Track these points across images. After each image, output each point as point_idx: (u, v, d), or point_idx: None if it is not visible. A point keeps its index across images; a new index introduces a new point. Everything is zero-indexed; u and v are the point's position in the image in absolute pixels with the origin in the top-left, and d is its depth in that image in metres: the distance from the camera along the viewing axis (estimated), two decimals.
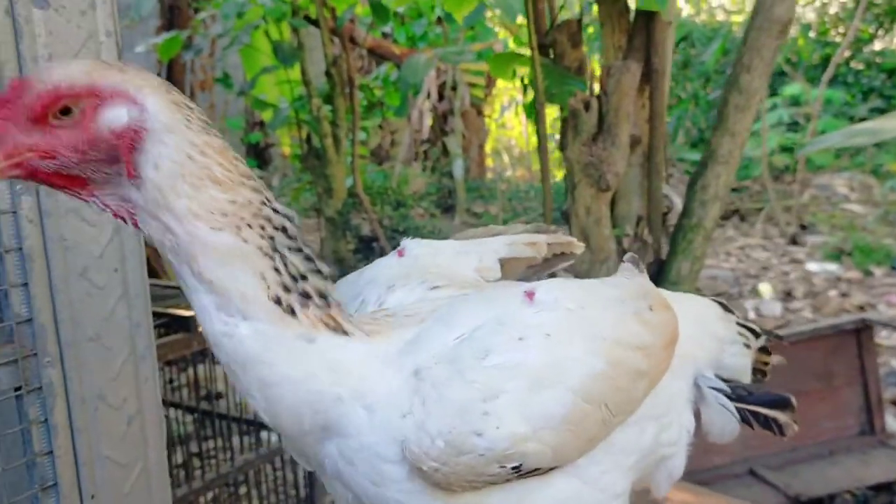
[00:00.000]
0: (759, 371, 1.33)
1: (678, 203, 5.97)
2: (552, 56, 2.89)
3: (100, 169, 0.92)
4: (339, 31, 6.38)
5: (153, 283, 2.14)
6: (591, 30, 7.28)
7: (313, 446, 0.96)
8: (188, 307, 1.59)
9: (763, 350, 1.33)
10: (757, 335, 1.32)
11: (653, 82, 2.75)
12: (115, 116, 0.90)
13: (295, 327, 0.92)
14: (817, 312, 6.47)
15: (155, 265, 4.69)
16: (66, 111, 0.89)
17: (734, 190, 9.90)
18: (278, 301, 0.91)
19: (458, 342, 0.94)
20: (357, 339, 0.94)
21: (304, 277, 0.94)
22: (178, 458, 3.42)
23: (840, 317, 5.32)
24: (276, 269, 0.92)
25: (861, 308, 6.43)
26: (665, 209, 3.11)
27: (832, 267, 7.53)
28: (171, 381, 3.62)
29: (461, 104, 9.30)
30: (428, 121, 9.72)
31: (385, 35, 9.37)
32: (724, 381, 1.24)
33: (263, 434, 3.24)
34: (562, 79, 2.81)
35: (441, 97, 9.73)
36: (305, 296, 0.93)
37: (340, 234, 6.70)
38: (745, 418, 1.22)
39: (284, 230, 0.94)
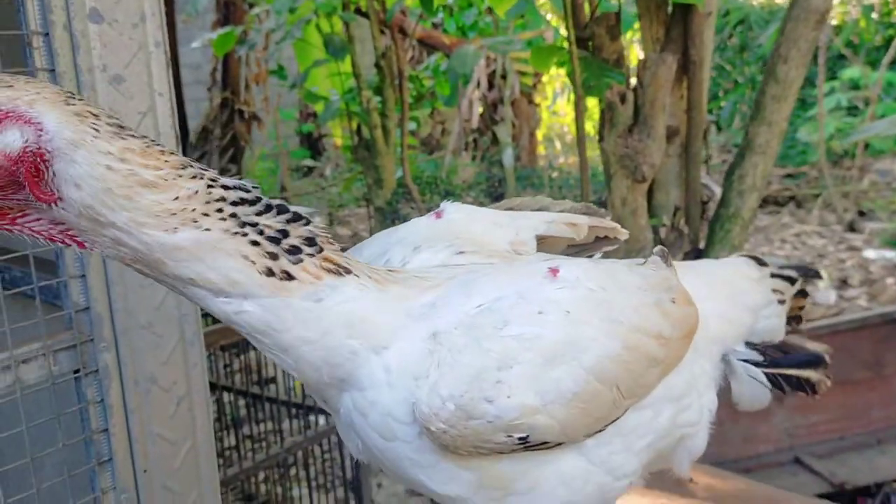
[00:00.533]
0: (794, 318, 1.33)
1: (718, 192, 5.92)
2: (591, 48, 2.93)
3: (11, 196, 0.86)
4: (388, 23, 6.47)
5: None
6: (634, 26, 7.22)
7: (335, 396, 0.99)
8: None
9: (800, 294, 1.34)
10: (793, 281, 1.32)
11: (690, 73, 2.77)
12: (7, 141, 0.82)
13: (297, 290, 0.91)
14: (873, 300, 6.36)
15: None
16: None
17: (790, 176, 9.73)
18: (270, 272, 0.90)
19: (479, 311, 0.95)
20: (364, 285, 0.94)
21: (285, 233, 0.91)
22: (231, 440, 3.57)
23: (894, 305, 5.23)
24: (254, 242, 0.90)
25: None
26: (704, 199, 3.13)
27: (890, 254, 7.37)
28: (226, 365, 3.75)
29: (511, 93, 9.31)
30: (478, 110, 9.76)
31: (435, 26, 9.43)
32: (755, 346, 1.26)
33: (312, 417, 3.35)
34: (600, 71, 2.85)
35: (491, 86, 9.75)
36: (295, 251, 0.91)
37: (390, 224, 6.81)
38: (776, 383, 1.24)
39: (243, 201, 0.90)
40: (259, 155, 10.02)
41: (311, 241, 0.93)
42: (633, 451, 1.07)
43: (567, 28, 2.86)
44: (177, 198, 0.86)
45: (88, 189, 0.83)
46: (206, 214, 0.88)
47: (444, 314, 0.96)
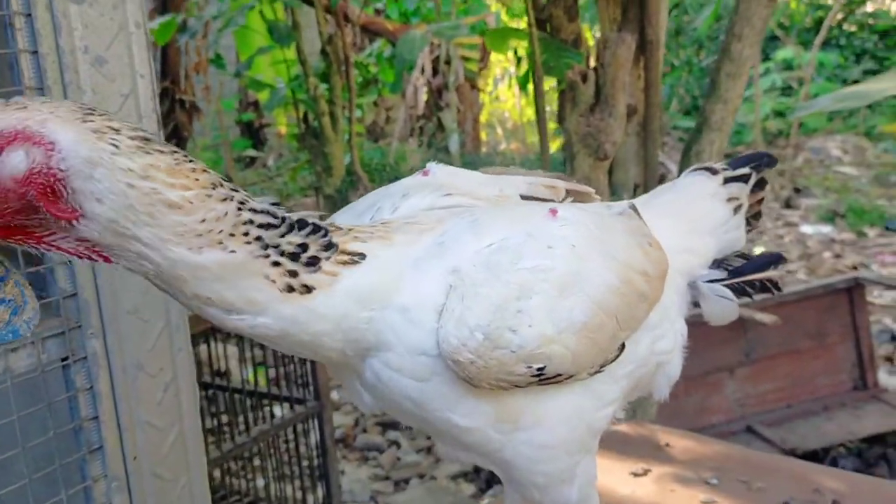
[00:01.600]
0: (752, 217, 1.39)
1: (674, 170, 6.05)
2: (549, 30, 2.96)
3: (32, 217, 0.85)
4: (333, 9, 6.41)
5: None
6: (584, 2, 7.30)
7: (358, 364, 1.01)
8: None
9: (757, 187, 1.39)
10: (747, 178, 1.37)
11: (647, 53, 2.83)
12: (13, 164, 0.81)
13: (315, 296, 0.92)
14: (812, 274, 6.58)
15: None
16: None
17: (728, 156, 9.98)
18: (290, 289, 0.91)
19: (491, 249, 0.99)
20: (369, 257, 0.96)
21: (305, 247, 0.92)
22: None
23: (833, 277, 5.43)
24: (276, 263, 0.90)
25: (854, 268, 6.55)
26: (661, 176, 3.20)
27: (826, 229, 7.64)
28: None
29: (455, 78, 9.34)
30: (423, 96, 9.76)
31: (378, 12, 9.39)
32: (719, 262, 1.32)
33: (268, 409, 3.34)
34: (559, 52, 2.89)
35: (435, 72, 9.77)
36: (314, 261, 0.92)
37: None
38: (742, 292, 1.30)
39: (270, 225, 0.91)
40: (201, 146, 9.84)
41: (328, 246, 0.94)
42: (615, 378, 1.12)
43: (526, 9, 2.88)
44: (203, 220, 0.86)
45: (110, 204, 0.83)
46: (233, 235, 0.88)
47: (458, 253, 0.99)
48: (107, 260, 0.89)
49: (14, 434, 1.34)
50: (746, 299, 1.31)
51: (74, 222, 0.84)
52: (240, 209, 0.89)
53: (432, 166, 1.19)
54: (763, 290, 1.32)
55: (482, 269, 0.97)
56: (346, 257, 0.95)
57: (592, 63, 2.74)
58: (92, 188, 0.82)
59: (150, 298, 1.50)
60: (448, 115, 9.25)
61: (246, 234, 0.89)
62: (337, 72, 6.52)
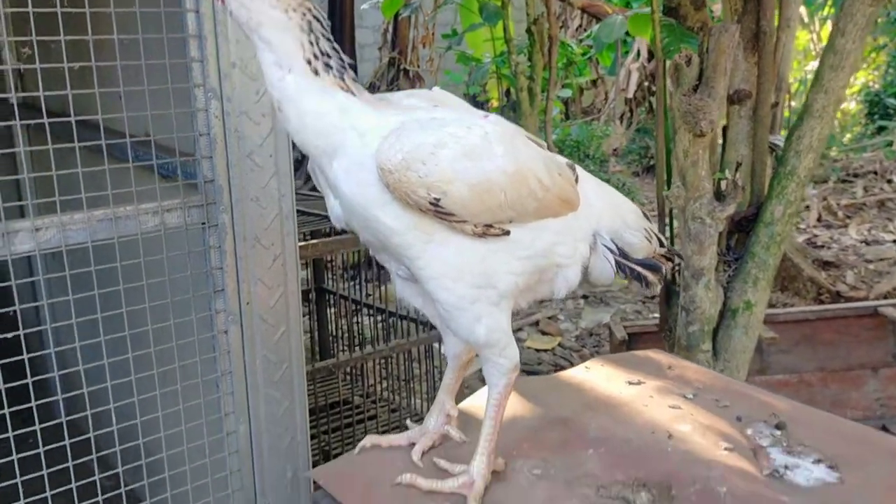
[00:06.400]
0: (653, 267, 1.80)
1: None
2: (677, 17, 3.24)
3: None
4: None
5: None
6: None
7: (327, 165, 1.45)
8: None
9: (665, 257, 1.83)
10: (662, 244, 1.83)
11: (761, 43, 3.04)
12: None
13: (319, 82, 1.39)
14: None
15: None
16: None
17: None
18: (309, 62, 1.38)
19: (431, 119, 1.44)
20: (361, 100, 1.43)
21: (328, 55, 1.40)
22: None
23: None
24: (310, 42, 1.38)
25: None
26: (773, 153, 3.36)
27: None
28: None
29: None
30: (635, 79, 9.92)
31: None
32: (619, 248, 1.73)
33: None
34: (681, 37, 3.17)
35: (651, 56, 9.87)
36: (328, 66, 1.40)
37: None
38: (621, 268, 1.73)
39: (319, 20, 1.39)
40: None
41: (341, 69, 1.42)
42: (515, 256, 1.53)
43: None
44: None
45: None
46: (295, 10, 1.38)
47: (409, 117, 1.45)
48: (222, 3, 1.40)
49: (163, 269, 1.99)
50: (622, 275, 1.74)
51: None
52: (307, 3, 1.40)
53: (436, 89, 1.68)
54: (636, 279, 1.76)
55: (418, 124, 1.43)
56: (344, 86, 1.44)
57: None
58: None
59: (268, 192, 2.10)
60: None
61: (303, 14, 1.39)
62: (539, 50, 6.96)
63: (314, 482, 1.80)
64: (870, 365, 4.57)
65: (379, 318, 4.23)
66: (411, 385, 4.05)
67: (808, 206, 9.21)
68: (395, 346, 3.88)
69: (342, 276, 4.65)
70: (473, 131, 1.45)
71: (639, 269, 1.76)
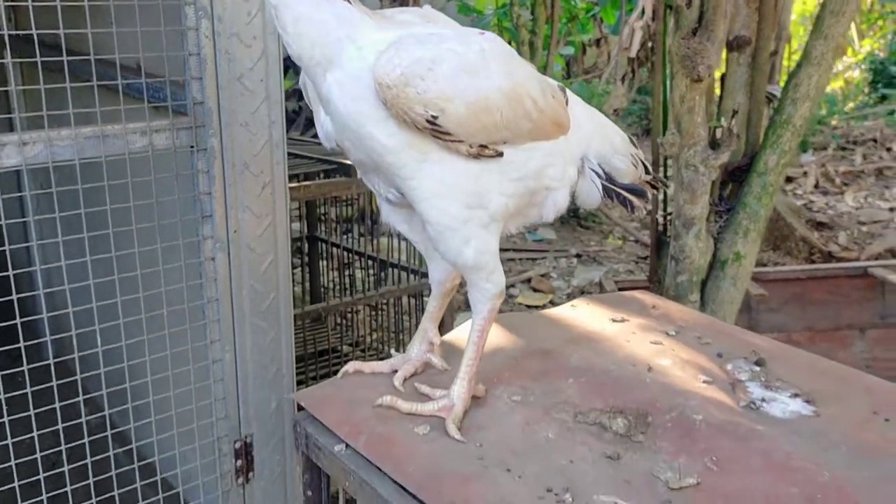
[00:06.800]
0: (639, 191, 1.81)
1: None
2: None
3: None
4: None
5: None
6: None
7: (321, 77, 1.42)
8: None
9: (650, 184, 1.85)
10: (647, 171, 1.82)
11: None
12: None
13: None
14: None
15: None
16: None
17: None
18: None
19: (430, 34, 1.43)
20: (359, 10, 1.40)
21: None
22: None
23: None
24: None
25: None
26: (769, 103, 3.35)
27: None
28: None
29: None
30: (638, 39, 9.81)
31: None
32: (605, 172, 1.73)
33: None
34: None
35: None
36: None
37: None
38: (607, 193, 1.74)
39: None
40: None
41: None
42: (508, 178, 1.53)
43: None
44: None
45: None
46: None
47: (408, 30, 1.44)
48: None
49: (151, 192, 1.98)
50: (608, 199, 1.76)
51: None
52: None
53: (427, 6, 1.65)
54: (622, 204, 1.77)
55: (416, 39, 1.41)
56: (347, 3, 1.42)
57: None
58: None
59: (258, 117, 2.09)
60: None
61: None
62: (542, 4, 6.90)
63: (297, 405, 1.82)
64: (858, 325, 4.60)
65: (370, 266, 4.24)
66: (401, 337, 4.08)
67: (805, 173, 9.21)
68: (385, 292, 3.90)
69: (335, 230, 4.66)
70: (471, 48, 1.43)
71: (625, 193, 1.77)
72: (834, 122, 10.67)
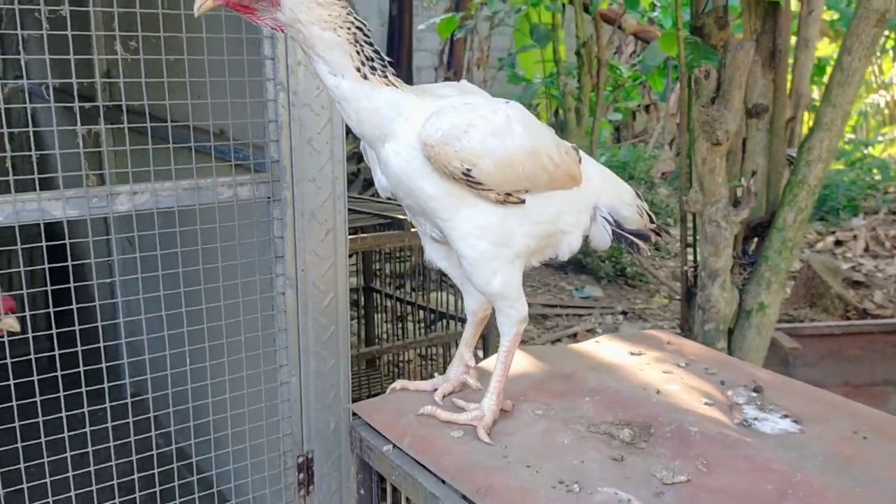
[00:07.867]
0: (644, 236, 2.11)
1: None
2: (702, 35, 3.53)
3: (257, 3, 1.62)
4: (591, 13, 7.18)
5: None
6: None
7: (379, 147, 1.73)
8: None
9: (654, 231, 2.15)
10: (652, 221, 2.13)
11: (776, 60, 3.31)
12: None
13: (368, 84, 1.66)
14: None
15: None
16: None
17: None
18: (358, 69, 1.64)
19: (463, 104, 1.74)
20: (403, 91, 1.70)
21: (372, 59, 1.66)
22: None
23: None
24: (357, 52, 1.64)
25: None
26: (789, 164, 3.60)
27: None
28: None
29: None
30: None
31: (651, 21, 9.94)
32: (615, 219, 2.04)
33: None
34: (704, 54, 3.46)
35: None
36: (373, 69, 1.66)
37: None
38: (617, 237, 2.04)
39: (361, 29, 1.64)
40: None
41: (383, 68, 1.69)
42: (529, 221, 1.83)
43: (677, 15, 3.49)
44: (331, 14, 1.63)
45: (291, 3, 1.61)
46: (341, 27, 1.63)
47: (446, 103, 1.75)
48: (282, 31, 1.66)
49: (234, 234, 2.35)
50: (616, 242, 2.06)
51: (274, 8, 1.62)
52: (349, 14, 1.64)
53: (464, 81, 2.01)
54: (629, 247, 2.09)
55: (453, 108, 1.73)
56: (387, 82, 1.73)
57: None
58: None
59: (324, 174, 2.45)
60: None
61: (348, 28, 1.64)
62: (588, 72, 7.29)
63: (353, 413, 2.13)
64: (893, 381, 4.72)
65: (421, 316, 4.55)
66: None
67: (855, 236, 9.29)
68: (435, 338, 4.20)
69: (389, 284, 4.99)
70: (498, 114, 1.76)
71: (632, 237, 2.07)
72: (891, 189, 10.78)
